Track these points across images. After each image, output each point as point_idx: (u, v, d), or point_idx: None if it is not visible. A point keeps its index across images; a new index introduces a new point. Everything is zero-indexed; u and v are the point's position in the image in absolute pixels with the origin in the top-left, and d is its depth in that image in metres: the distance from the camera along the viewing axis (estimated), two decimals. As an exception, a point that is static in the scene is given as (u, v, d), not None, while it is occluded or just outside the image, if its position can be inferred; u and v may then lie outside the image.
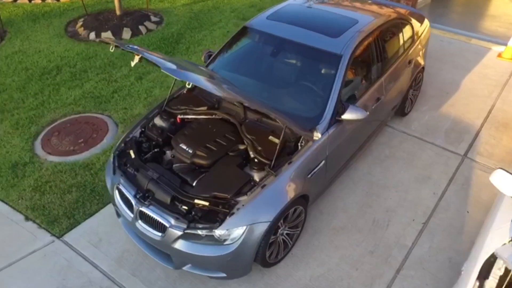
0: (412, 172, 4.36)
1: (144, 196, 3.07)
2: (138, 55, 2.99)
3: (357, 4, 4.38)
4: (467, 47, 6.90)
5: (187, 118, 3.68)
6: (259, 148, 3.17)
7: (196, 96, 3.80)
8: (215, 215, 2.91)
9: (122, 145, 3.54)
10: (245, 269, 3.08)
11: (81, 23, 8.00)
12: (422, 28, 4.87)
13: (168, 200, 2.98)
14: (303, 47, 3.71)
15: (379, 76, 4.00)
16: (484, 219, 3.78)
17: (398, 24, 4.32)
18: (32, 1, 9.00)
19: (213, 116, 3.60)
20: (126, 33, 7.59)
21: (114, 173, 3.34)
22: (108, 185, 3.45)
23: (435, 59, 6.47)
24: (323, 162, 3.38)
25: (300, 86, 3.69)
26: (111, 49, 3.03)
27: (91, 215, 3.96)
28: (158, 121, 3.70)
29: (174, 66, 2.82)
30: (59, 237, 3.76)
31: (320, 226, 3.76)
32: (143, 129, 3.65)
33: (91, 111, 5.47)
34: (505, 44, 6.97)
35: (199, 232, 2.87)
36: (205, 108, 3.61)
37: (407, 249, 3.57)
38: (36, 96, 5.78)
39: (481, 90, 5.77)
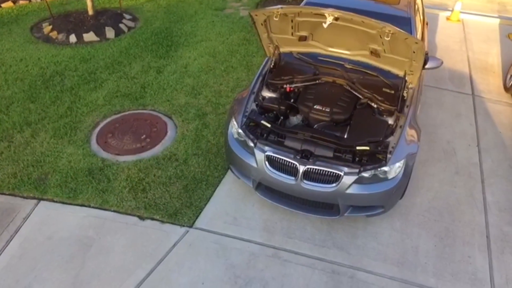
0: (446, 112, 5.31)
1: (304, 156, 3.34)
2: (330, 14, 3.14)
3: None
4: (422, 15, 8.24)
5: (294, 87, 3.98)
6: (381, 98, 3.68)
7: (291, 67, 4.10)
8: (374, 157, 3.35)
9: (244, 119, 3.69)
10: (398, 199, 3.59)
11: (49, 26, 7.29)
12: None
13: (331, 153, 3.31)
14: (377, 15, 4.26)
15: (423, 34, 4.81)
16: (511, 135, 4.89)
17: (418, -8, 5.18)
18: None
19: (318, 82, 3.96)
20: (110, 33, 7.20)
21: (255, 145, 3.49)
22: (250, 161, 3.54)
23: (407, 26, 7.65)
24: (420, 104, 4.04)
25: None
26: (276, 17, 3.21)
27: (208, 199, 3.98)
28: (267, 93, 3.93)
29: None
30: (191, 226, 3.73)
31: (410, 163, 4.44)
32: (256, 103, 3.83)
33: (131, 109, 5.25)
34: (446, 10, 8.54)
35: (367, 174, 3.28)
36: (310, 74, 3.95)
37: (478, 165, 4.47)
38: (56, 104, 5.28)
39: (453, 46, 7.08)
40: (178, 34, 7.27)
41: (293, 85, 3.94)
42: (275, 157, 3.40)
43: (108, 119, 5.05)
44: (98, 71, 6.04)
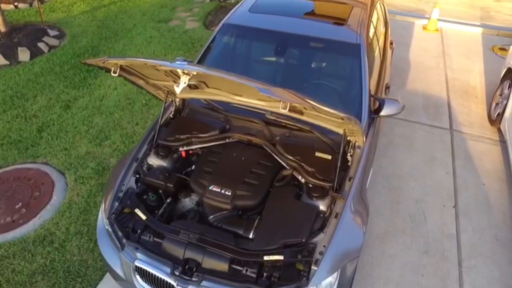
0: (416, 155, 4.23)
1: (186, 269, 2.22)
2: (184, 72, 1.94)
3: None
4: (395, 24, 7.15)
5: (194, 149, 2.86)
6: (311, 169, 2.57)
7: (194, 119, 2.98)
8: (291, 271, 2.23)
9: (116, 204, 2.56)
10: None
11: (-50, 48, 6.09)
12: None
13: (226, 267, 2.20)
14: (310, 40, 3.18)
15: (383, 62, 3.72)
16: (498, 187, 3.83)
17: (377, 3, 4.07)
18: None
19: (228, 141, 2.84)
20: (23, 54, 6.03)
21: (122, 248, 2.38)
22: (117, 269, 2.47)
23: (376, 39, 6.56)
24: (372, 168, 2.94)
25: (319, 86, 3.18)
26: (114, 73, 2.06)
27: (79, 307, 2.87)
28: (154, 161, 2.80)
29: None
30: None
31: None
32: (137, 176, 2.71)
33: (17, 162, 4.10)
34: (424, 17, 7.47)
35: (280, 295, 2.17)
36: (216, 132, 2.82)
37: (455, 237, 3.40)
38: None
39: (429, 62, 6.01)
40: (105, 55, 6.10)
41: (191, 148, 2.82)
42: (146, 270, 2.28)
43: (-19, 179, 3.90)
44: (-9, 108, 4.87)
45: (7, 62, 5.90)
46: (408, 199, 3.72)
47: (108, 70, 2.30)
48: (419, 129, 4.61)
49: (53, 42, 6.52)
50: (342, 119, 2.14)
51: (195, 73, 1.95)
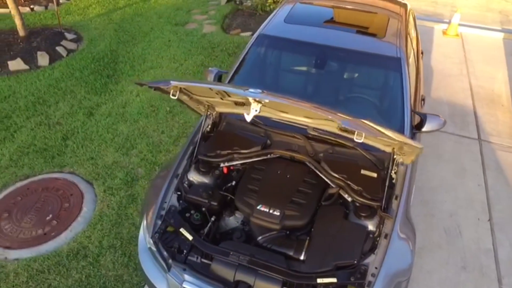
0: (447, 167, 4.18)
1: (238, 292, 2.19)
2: (255, 100, 1.90)
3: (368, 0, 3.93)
4: (415, 29, 7.09)
5: (235, 165, 2.82)
6: (358, 188, 2.53)
7: (233, 134, 2.93)
8: (345, 292, 2.20)
9: (159, 222, 2.53)
10: None
11: (-31, 52, 6.07)
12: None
13: (278, 288, 2.17)
14: (349, 53, 3.13)
15: (417, 74, 3.66)
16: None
17: (410, 14, 4.02)
18: None
19: (269, 156, 2.80)
20: (43, 59, 6.00)
21: (168, 268, 2.35)
22: (157, 285, 2.44)
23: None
24: (414, 185, 2.90)
25: (359, 101, 3.13)
26: (173, 95, 2.02)
27: (118, 323, 2.84)
28: (195, 177, 2.76)
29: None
30: None
31: (401, 253, 3.30)
32: (179, 193, 2.67)
33: (44, 171, 4.07)
34: (443, 22, 7.40)
35: (334, 321, 2.14)
36: (258, 147, 2.78)
37: (492, 253, 3.35)
38: None
39: (451, 69, 5.95)
40: (125, 59, 6.07)
41: (232, 164, 2.78)
42: (196, 292, 2.25)
43: (10, 189, 3.88)
44: (14, 115, 4.84)
45: (27, 67, 5.87)
46: (441, 212, 3.68)
47: (164, 92, 2.25)
48: (446, 139, 4.56)
49: (71, 46, 6.48)
50: (405, 143, 2.09)
51: (267, 101, 1.91)
